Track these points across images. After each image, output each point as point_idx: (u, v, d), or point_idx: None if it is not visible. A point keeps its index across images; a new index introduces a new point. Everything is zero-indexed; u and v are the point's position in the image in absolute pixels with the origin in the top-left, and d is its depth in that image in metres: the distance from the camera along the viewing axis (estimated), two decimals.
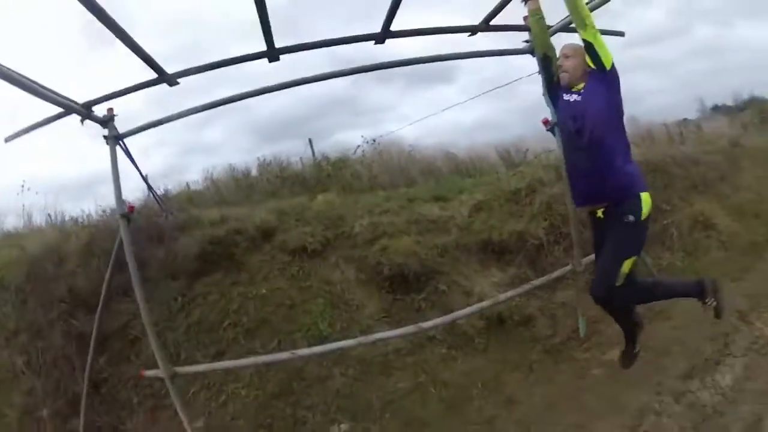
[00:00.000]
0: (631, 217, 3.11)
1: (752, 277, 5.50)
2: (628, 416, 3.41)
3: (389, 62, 4.58)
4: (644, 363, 3.73)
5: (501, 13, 4.21)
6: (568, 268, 4.78)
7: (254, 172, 10.06)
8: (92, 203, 9.38)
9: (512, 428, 3.65)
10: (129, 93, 4.24)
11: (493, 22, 4.33)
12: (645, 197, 3.16)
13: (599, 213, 3.27)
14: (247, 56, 4.03)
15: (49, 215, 9.15)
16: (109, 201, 6.57)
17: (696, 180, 8.04)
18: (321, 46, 4.19)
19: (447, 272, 5.52)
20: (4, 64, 2.94)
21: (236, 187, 9.41)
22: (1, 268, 6.49)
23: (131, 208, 4.47)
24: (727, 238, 6.79)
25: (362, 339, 4.41)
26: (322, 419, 4.43)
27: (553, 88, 3.58)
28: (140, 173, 4.89)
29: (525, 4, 3.65)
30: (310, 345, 4.75)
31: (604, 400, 3.65)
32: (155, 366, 4.47)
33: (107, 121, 4.33)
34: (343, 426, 4.37)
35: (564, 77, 3.38)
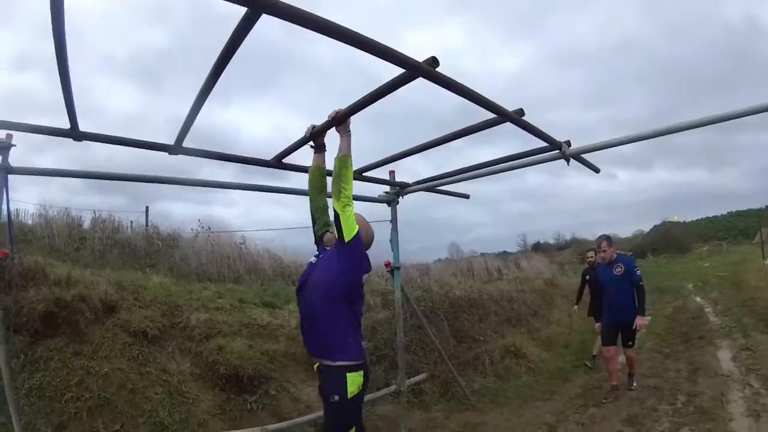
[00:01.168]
0: (336, 397, 3.41)
1: (558, 398, 7.45)
2: None
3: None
4: None
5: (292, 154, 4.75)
6: (393, 388, 6.26)
7: (86, 224, 10.67)
8: None
9: None
10: (34, 133, 4.21)
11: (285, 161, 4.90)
12: (352, 378, 3.45)
13: (316, 365, 3.65)
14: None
15: None
16: None
17: (510, 314, 10.18)
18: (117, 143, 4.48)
19: (277, 378, 6.75)
20: None
21: (69, 236, 10.01)
22: None
23: (4, 254, 4.99)
24: (536, 365, 8.92)
25: None
26: None
27: (317, 244, 4.01)
28: (8, 210, 5.06)
29: (314, 153, 4.16)
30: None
31: None
32: None
33: (4, 149, 4.27)
34: None
35: (327, 236, 3.85)
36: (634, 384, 7.32)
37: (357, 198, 6.20)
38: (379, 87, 3.57)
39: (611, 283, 7.35)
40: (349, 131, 3.73)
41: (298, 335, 7.34)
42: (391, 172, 6.07)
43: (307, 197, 4.12)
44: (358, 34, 2.97)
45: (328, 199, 3.97)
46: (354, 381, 3.43)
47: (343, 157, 3.62)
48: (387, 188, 6.28)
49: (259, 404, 6.40)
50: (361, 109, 3.59)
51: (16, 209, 10.59)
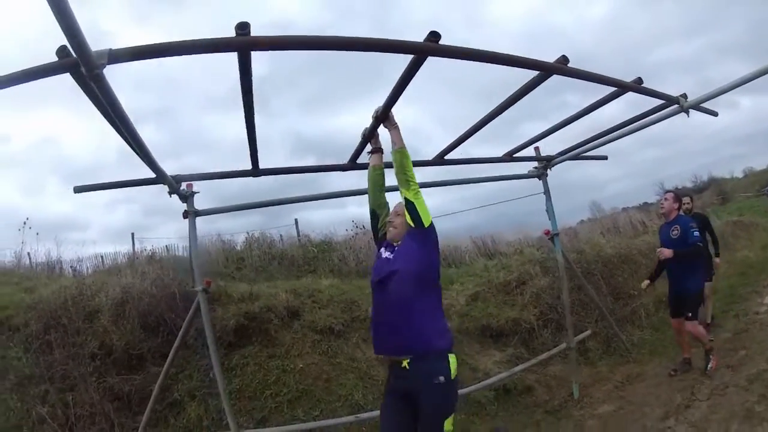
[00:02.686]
0: (441, 378, 3.30)
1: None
2: None
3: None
4: (629, 413, 5.71)
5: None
6: (563, 346, 6.73)
7: (239, 246, 11.76)
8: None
9: None
10: (219, 178, 5.45)
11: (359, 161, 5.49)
12: (452, 359, 3.40)
13: (404, 363, 3.40)
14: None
15: (71, 267, 10.65)
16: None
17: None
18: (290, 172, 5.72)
19: (455, 352, 7.21)
20: None
21: (227, 259, 10.94)
22: (7, 308, 7.68)
23: (208, 283, 5.55)
24: None
25: None
26: None
27: (377, 241, 4.06)
28: (192, 248, 6.02)
29: (369, 156, 4.28)
30: (351, 413, 6.18)
31: None
32: (196, 428, 5.91)
33: (188, 196, 5.39)
34: None
35: (391, 233, 3.81)
36: (710, 365, 6.29)
37: (508, 178, 6.81)
38: (515, 92, 4.44)
39: (667, 246, 6.51)
40: (396, 123, 3.91)
41: (469, 312, 8.11)
42: (536, 149, 6.49)
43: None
44: (500, 54, 3.60)
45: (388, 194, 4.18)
46: (454, 362, 3.40)
47: (400, 149, 3.76)
48: (535, 164, 6.71)
49: None
50: (395, 100, 3.82)
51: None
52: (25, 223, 10.99)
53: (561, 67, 3.95)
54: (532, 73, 4.13)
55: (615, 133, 5.82)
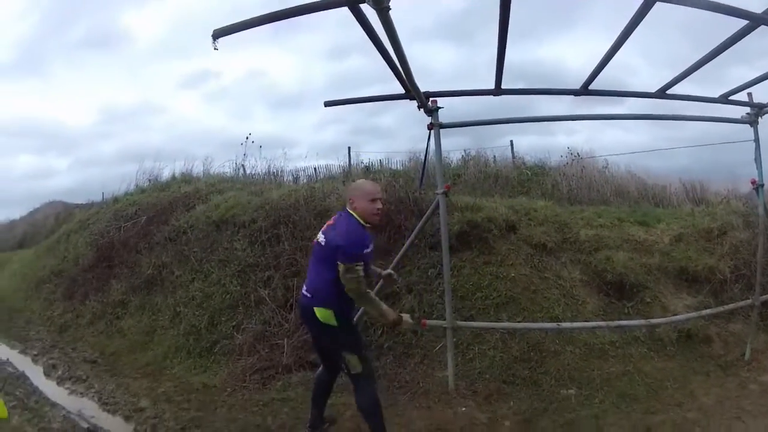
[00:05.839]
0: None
1: None
2: None
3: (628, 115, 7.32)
4: None
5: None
6: (748, 301, 7.09)
7: (453, 162, 12.84)
8: None
9: (694, 413, 5.79)
10: (464, 95, 6.22)
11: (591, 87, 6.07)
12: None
13: None
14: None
15: (292, 175, 12.50)
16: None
17: None
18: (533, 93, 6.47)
19: (651, 288, 7.95)
20: None
21: (443, 174, 11.81)
22: (234, 208, 9.07)
23: (447, 187, 6.23)
24: None
25: (609, 323, 6.97)
26: (555, 384, 6.36)
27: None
28: (425, 161, 7.04)
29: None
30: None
31: (757, 406, 5.82)
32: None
33: (434, 111, 6.01)
34: (571, 391, 6.18)
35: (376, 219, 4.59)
36: None
37: (717, 120, 7.03)
38: (721, 44, 4.85)
39: None
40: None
41: (670, 252, 8.63)
42: (749, 94, 6.63)
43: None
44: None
45: None
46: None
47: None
48: (748, 110, 6.83)
49: (636, 309, 7.63)
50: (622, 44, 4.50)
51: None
52: (247, 138, 12.65)
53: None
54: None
55: None
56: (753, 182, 7.04)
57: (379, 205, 4.48)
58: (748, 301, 7.16)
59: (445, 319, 6.39)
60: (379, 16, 3.33)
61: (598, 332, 7.26)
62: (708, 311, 7.28)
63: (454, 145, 12.22)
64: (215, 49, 3.56)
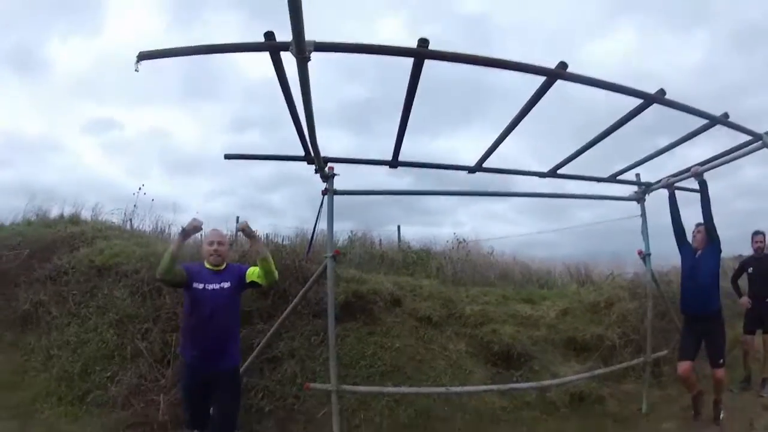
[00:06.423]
0: None
1: None
2: None
3: (507, 192, 7.62)
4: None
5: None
6: (641, 359, 7.22)
7: (340, 241, 12.37)
8: None
9: None
10: (361, 164, 6.40)
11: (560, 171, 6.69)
12: None
13: None
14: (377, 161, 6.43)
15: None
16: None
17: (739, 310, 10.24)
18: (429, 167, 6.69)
19: (539, 358, 7.91)
20: None
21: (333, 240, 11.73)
22: (118, 256, 8.75)
23: (337, 252, 6.38)
24: None
25: (500, 386, 6.90)
26: None
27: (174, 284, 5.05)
28: (315, 226, 6.86)
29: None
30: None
31: None
32: (289, 383, 6.73)
33: (330, 177, 6.14)
34: None
35: (217, 260, 4.78)
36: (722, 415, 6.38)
37: (609, 198, 7.64)
38: (617, 121, 5.32)
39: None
40: (254, 234, 4.95)
41: (557, 325, 8.74)
42: (637, 175, 7.22)
43: None
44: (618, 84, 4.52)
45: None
46: None
47: (266, 257, 4.75)
48: (635, 188, 7.38)
49: (525, 377, 7.53)
50: (521, 120, 5.54)
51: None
52: (140, 188, 12.34)
53: (660, 97, 4.73)
54: (626, 108, 5.04)
55: (705, 165, 6.37)
56: (640, 252, 7.40)
57: (215, 247, 4.78)
58: (641, 359, 7.32)
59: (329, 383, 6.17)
60: (298, 65, 3.47)
61: (487, 399, 7.10)
62: (600, 371, 7.30)
63: (341, 227, 12.08)
64: (136, 70, 3.62)
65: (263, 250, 4.84)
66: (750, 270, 7.79)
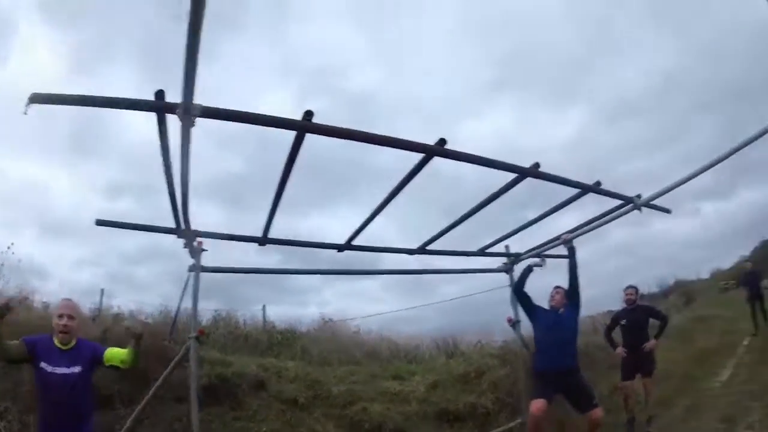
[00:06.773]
0: None
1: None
2: None
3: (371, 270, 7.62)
4: None
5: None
6: (518, 420, 7.13)
7: (204, 321, 11.95)
8: None
9: None
10: (231, 240, 6.08)
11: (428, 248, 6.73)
12: None
13: None
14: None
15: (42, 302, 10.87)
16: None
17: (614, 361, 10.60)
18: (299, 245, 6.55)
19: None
20: None
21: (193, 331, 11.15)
22: None
23: (201, 332, 6.04)
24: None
25: None
26: None
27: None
28: (179, 304, 6.61)
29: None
30: None
31: None
32: None
33: (197, 252, 5.85)
34: None
35: (66, 338, 4.20)
36: None
37: (479, 271, 7.77)
38: (492, 193, 5.38)
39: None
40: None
41: (427, 398, 8.61)
42: (506, 246, 7.35)
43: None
44: (496, 160, 4.68)
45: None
46: None
47: (135, 352, 4.29)
48: (504, 259, 7.48)
49: None
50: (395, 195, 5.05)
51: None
52: (9, 247, 11.15)
53: (535, 171, 4.85)
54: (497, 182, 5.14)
55: (577, 231, 6.47)
56: (509, 319, 7.44)
57: (64, 321, 4.15)
58: (518, 421, 7.26)
59: None
60: (182, 129, 3.37)
61: None
62: None
63: (206, 306, 11.49)
64: (24, 113, 3.30)
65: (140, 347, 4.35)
66: (623, 322, 7.96)
